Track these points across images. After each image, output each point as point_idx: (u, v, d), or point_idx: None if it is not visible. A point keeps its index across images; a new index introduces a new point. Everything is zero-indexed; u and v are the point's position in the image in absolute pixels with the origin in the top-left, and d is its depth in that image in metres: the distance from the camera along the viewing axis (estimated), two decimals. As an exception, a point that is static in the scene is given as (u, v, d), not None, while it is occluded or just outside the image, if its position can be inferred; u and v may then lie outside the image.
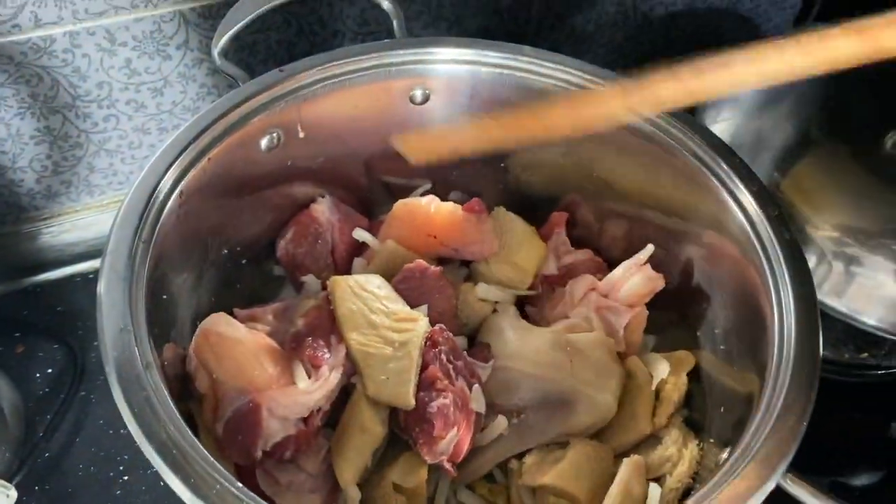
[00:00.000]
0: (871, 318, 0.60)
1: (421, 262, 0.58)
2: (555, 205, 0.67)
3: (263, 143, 0.56)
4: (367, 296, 0.54)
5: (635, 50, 0.88)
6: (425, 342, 0.53)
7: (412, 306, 0.56)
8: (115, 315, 0.43)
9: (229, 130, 0.52)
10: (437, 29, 0.76)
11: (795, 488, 0.40)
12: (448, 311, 0.59)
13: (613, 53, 0.87)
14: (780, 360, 0.44)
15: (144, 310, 0.45)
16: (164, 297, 0.49)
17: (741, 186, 0.51)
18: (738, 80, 0.41)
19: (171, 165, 0.49)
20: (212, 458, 0.40)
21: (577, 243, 0.66)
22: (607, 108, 0.45)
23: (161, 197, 0.49)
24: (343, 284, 0.54)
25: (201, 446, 0.41)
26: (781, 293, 0.47)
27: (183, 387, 0.52)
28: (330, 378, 0.51)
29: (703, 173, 0.53)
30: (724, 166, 0.52)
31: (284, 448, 0.50)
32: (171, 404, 0.42)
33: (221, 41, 0.56)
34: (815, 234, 0.60)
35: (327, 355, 0.52)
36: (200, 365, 0.52)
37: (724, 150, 0.53)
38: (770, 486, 0.39)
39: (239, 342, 0.52)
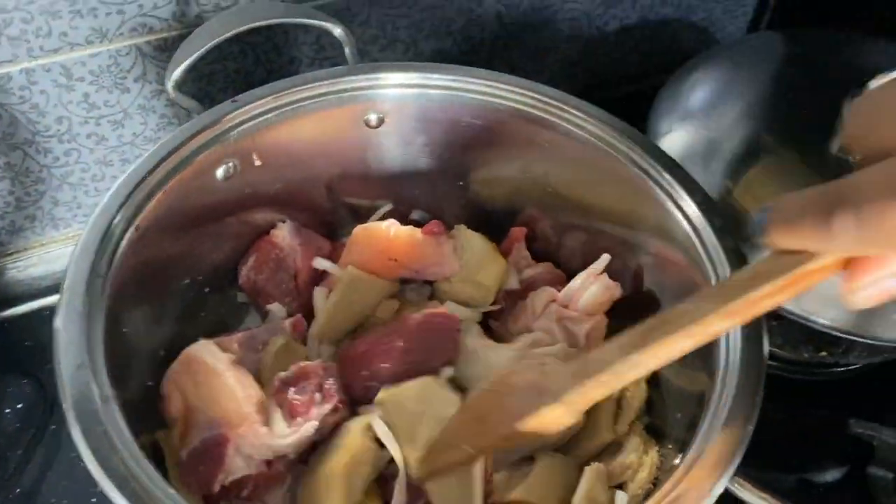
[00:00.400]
0: (825, 318, 0.61)
1: (444, 310, 0.58)
2: (515, 219, 0.68)
3: (219, 172, 0.56)
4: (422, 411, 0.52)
5: (592, 64, 0.90)
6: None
7: (428, 353, 0.56)
8: (73, 351, 0.44)
9: (184, 163, 0.53)
10: (394, 52, 0.77)
11: (745, 493, 0.41)
12: (453, 359, 0.59)
13: (571, 68, 0.89)
14: (726, 364, 0.45)
15: (103, 344, 0.45)
16: (125, 329, 0.50)
17: (685, 197, 0.52)
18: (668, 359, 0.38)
19: (125, 201, 0.50)
20: (173, 492, 0.41)
21: (538, 257, 0.67)
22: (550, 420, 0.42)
23: (117, 231, 0.49)
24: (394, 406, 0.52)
25: (162, 479, 0.41)
26: (727, 300, 0.48)
27: (148, 418, 0.52)
28: (304, 429, 0.52)
29: (648, 184, 0.54)
30: (668, 177, 0.53)
31: (242, 486, 0.51)
32: (131, 438, 0.42)
33: (174, 74, 0.57)
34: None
35: (307, 409, 0.53)
36: (176, 390, 0.53)
37: (667, 161, 0.54)
38: (717, 491, 0.40)
39: (220, 374, 0.52)
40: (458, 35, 0.79)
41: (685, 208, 0.52)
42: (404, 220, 0.66)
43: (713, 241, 0.50)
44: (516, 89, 0.58)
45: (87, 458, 0.40)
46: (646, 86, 0.73)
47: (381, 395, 0.53)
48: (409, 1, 0.74)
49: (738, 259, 0.49)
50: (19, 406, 0.67)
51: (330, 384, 0.54)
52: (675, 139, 0.67)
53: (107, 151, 0.71)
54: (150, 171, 0.51)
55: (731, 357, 0.45)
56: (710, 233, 0.51)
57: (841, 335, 0.61)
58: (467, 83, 0.58)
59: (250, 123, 0.56)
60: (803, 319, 0.61)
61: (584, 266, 0.62)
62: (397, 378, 0.55)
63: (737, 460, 0.41)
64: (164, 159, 0.52)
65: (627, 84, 0.94)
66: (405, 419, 0.52)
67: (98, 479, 0.40)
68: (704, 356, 0.48)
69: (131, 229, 0.50)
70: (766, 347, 0.46)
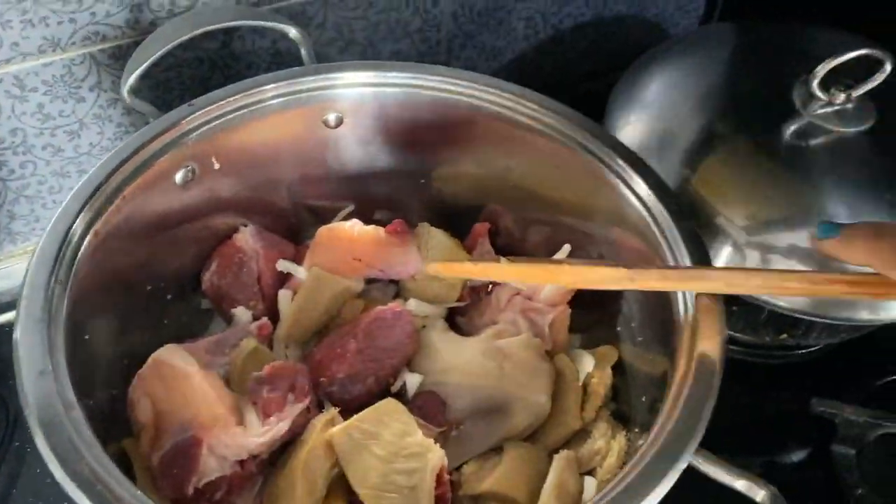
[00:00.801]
0: (784, 301, 0.63)
1: (394, 305, 0.59)
2: (478, 215, 0.68)
3: (178, 177, 0.56)
4: (372, 443, 0.51)
5: (548, 62, 0.91)
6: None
7: (383, 351, 0.56)
8: (34, 359, 0.43)
9: (141, 168, 0.53)
10: (352, 54, 0.78)
11: (708, 466, 0.42)
12: (412, 354, 0.59)
13: (529, 66, 0.90)
14: (686, 348, 0.46)
15: (64, 351, 0.45)
16: (87, 337, 0.49)
17: (640, 182, 0.53)
18: (707, 289, 0.49)
19: (83, 207, 0.49)
20: (141, 495, 0.40)
21: (502, 251, 0.68)
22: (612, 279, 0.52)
23: (75, 239, 0.49)
24: (345, 438, 0.51)
25: (130, 483, 0.41)
26: (685, 283, 0.49)
27: (113, 426, 0.52)
28: (276, 429, 0.52)
29: (605, 172, 0.55)
30: (623, 164, 0.54)
31: (216, 488, 0.50)
32: (97, 443, 0.42)
33: (129, 79, 0.57)
34: (727, 225, 0.62)
35: (280, 407, 0.52)
36: (145, 395, 0.52)
37: (622, 149, 0.55)
38: (680, 467, 0.41)
39: (191, 376, 0.52)
40: (415, 36, 0.79)
41: (641, 194, 0.53)
42: (368, 220, 0.66)
43: (670, 225, 0.51)
44: (473, 85, 0.59)
45: (51, 465, 0.40)
46: (602, 83, 0.74)
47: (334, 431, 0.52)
48: (365, 3, 0.74)
49: (694, 242, 0.50)
50: (-20, 424, 0.66)
51: (302, 383, 0.54)
52: (631, 132, 0.68)
53: (63, 162, 0.71)
54: (108, 177, 0.51)
55: (690, 335, 0.46)
56: (667, 217, 0.52)
57: (800, 317, 0.63)
58: (424, 80, 0.59)
59: (207, 127, 0.56)
60: (763, 303, 0.63)
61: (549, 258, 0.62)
62: (356, 380, 0.55)
63: (698, 437, 0.41)
64: (120, 165, 0.52)
65: (585, 81, 0.95)
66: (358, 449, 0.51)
67: (64, 485, 0.39)
68: (664, 338, 0.49)
69: (90, 236, 0.49)
70: (725, 327, 0.47)
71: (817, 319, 0.63)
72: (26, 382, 0.42)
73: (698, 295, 0.48)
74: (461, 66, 0.85)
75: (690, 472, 0.42)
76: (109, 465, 0.40)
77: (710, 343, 0.46)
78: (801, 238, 0.61)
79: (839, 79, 0.63)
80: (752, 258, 0.62)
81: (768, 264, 0.62)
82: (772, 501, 0.42)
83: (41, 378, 0.43)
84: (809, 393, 0.70)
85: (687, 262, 0.49)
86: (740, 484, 0.42)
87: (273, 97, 0.58)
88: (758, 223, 0.62)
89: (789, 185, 0.64)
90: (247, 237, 0.62)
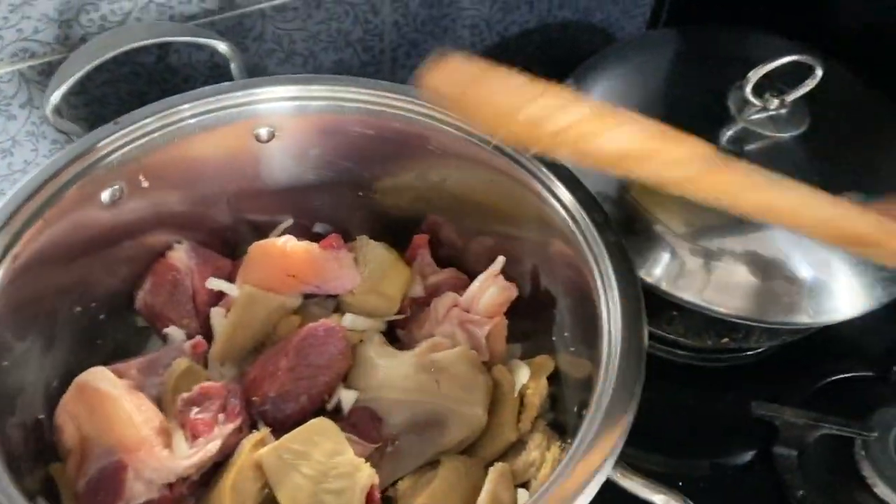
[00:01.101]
0: (723, 306, 0.63)
1: (326, 321, 0.58)
2: (419, 226, 0.68)
3: (105, 196, 0.55)
4: (302, 463, 0.50)
5: (495, 68, 0.91)
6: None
7: (315, 368, 0.55)
8: (-56, 389, 0.43)
9: (64, 188, 0.52)
10: (293, 65, 0.77)
11: (626, 481, 0.42)
12: (346, 370, 0.59)
13: (476, 73, 0.90)
14: (608, 355, 0.46)
15: (-22, 379, 0.44)
16: (5, 363, 0.49)
17: (567, 194, 0.53)
18: None
19: (-1, 231, 0.49)
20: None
21: (445, 263, 0.68)
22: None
23: (-8, 263, 0.48)
24: (274, 459, 0.50)
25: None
26: (608, 293, 0.49)
27: (42, 451, 0.51)
28: (206, 449, 0.51)
29: (534, 184, 0.55)
30: (547, 172, 0.54)
31: (144, 511, 0.50)
32: (8, 477, 0.41)
33: (52, 98, 0.56)
34: (665, 233, 0.63)
35: (209, 428, 0.52)
36: (70, 419, 0.52)
37: (550, 161, 0.55)
38: (598, 481, 0.41)
39: (115, 399, 0.52)
40: (357, 45, 0.79)
41: (567, 204, 0.53)
42: (307, 234, 0.66)
43: (594, 236, 0.51)
44: (401, 97, 0.58)
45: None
46: (550, 88, 0.74)
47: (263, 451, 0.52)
48: (303, 13, 0.73)
49: (619, 253, 0.50)
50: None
51: (234, 404, 0.54)
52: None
53: (-3, 181, 0.70)
54: (26, 201, 0.50)
55: (612, 344, 0.46)
56: (592, 229, 0.52)
57: (739, 321, 0.63)
58: (349, 93, 0.58)
59: (133, 145, 0.55)
60: (703, 308, 0.63)
61: (488, 269, 0.62)
62: (288, 398, 0.54)
63: (616, 451, 0.41)
64: (40, 187, 0.51)
65: (533, 87, 0.95)
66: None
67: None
68: (590, 343, 0.49)
69: (7, 260, 0.49)
70: (645, 336, 0.47)
71: (756, 324, 0.63)
72: (-65, 415, 0.41)
73: (622, 300, 0.48)
74: (406, 75, 0.85)
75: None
76: (14, 496, 0.39)
77: (631, 348, 0.46)
78: (737, 244, 0.62)
79: (774, 84, 0.64)
80: (691, 264, 0.62)
81: (708, 271, 0.63)
82: (690, 514, 0.42)
83: (-49, 410, 0.42)
84: (752, 396, 0.70)
85: (611, 274, 0.49)
86: (658, 499, 0.42)
87: (200, 113, 0.57)
88: (695, 229, 0.63)
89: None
90: (181, 255, 0.62)
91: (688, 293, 0.63)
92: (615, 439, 0.42)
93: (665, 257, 0.62)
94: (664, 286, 0.62)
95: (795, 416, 0.68)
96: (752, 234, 0.62)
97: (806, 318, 0.62)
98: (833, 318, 0.62)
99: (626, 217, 0.63)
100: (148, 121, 0.56)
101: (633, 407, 0.43)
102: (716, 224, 0.63)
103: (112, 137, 0.55)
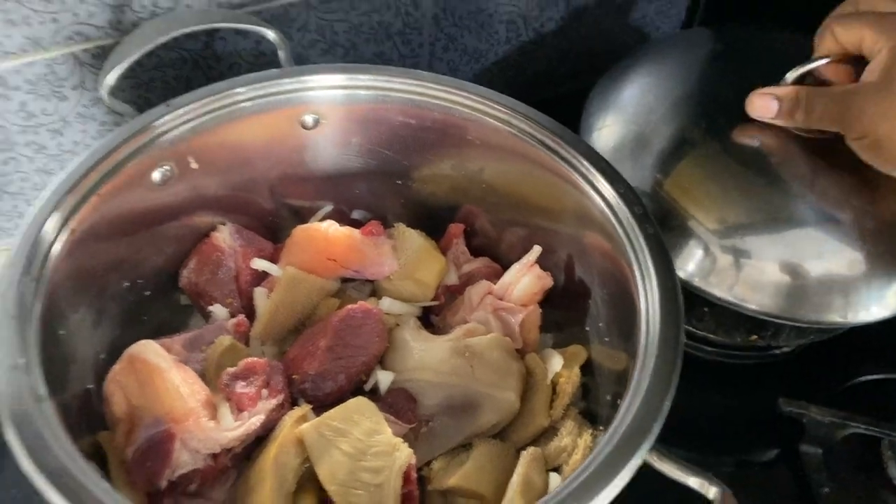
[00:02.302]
0: (754, 303, 0.63)
1: (364, 304, 0.60)
2: (454, 215, 0.69)
3: (156, 176, 0.57)
4: (341, 441, 0.52)
5: (531, 65, 0.92)
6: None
7: (353, 349, 0.57)
8: (6, 352, 0.44)
9: (117, 167, 0.54)
10: (334, 56, 0.79)
11: (662, 464, 0.43)
12: (382, 351, 0.60)
13: (511, 69, 0.91)
14: (646, 346, 0.47)
15: (37, 346, 0.46)
16: (62, 332, 0.50)
17: (607, 186, 0.54)
18: None
19: (58, 205, 0.50)
20: (108, 486, 0.41)
21: (478, 252, 0.69)
22: None
23: (50, 236, 0.50)
24: (315, 435, 0.51)
25: (97, 475, 0.42)
26: (647, 284, 0.50)
27: (89, 420, 0.53)
28: (249, 423, 0.53)
29: (573, 176, 0.56)
30: (591, 168, 0.55)
31: (190, 481, 0.51)
32: (66, 437, 0.43)
33: (107, 79, 0.57)
34: (699, 229, 0.63)
35: (254, 402, 0.54)
36: (119, 389, 0.53)
37: (591, 154, 0.56)
38: (635, 464, 0.42)
39: (163, 371, 0.53)
40: (397, 38, 0.80)
41: (606, 196, 0.54)
42: (346, 220, 0.67)
43: (634, 228, 0.52)
44: (444, 88, 0.59)
45: (20, 457, 0.41)
46: (584, 85, 0.75)
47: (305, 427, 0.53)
48: (347, 5, 0.75)
49: (657, 245, 0.51)
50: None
51: (277, 380, 0.56)
52: (607, 135, 0.69)
53: (46, 160, 0.71)
54: (83, 176, 0.52)
55: (650, 334, 0.47)
56: (632, 222, 0.53)
57: (768, 319, 0.64)
58: (394, 83, 0.60)
59: (184, 127, 0.57)
60: (734, 305, 0.64)
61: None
62: (327, 377, 0.56)
63: (653, 434, 0.42)
64: (96, 164, 0.53)
65: (566, 83, 0.96)
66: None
67: (31, 477, 0.40)
68: (625, 334, 0.50)
69: (65, 233, 0.50)
70: (683, 326, 0.48)
71: (786, 322, 0.64)
72: (-1, 376, 0.43)
73: (660, 291, 0.49)
74: (443, 68, 0.86)
75: (647, 468, 0.43)
76: (77, 458, 0.41)
77: (668, 340, 0.47)
78: (770, 242, 0.63)
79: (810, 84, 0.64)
80: (723, 261, 0.63)
81: (739, 268, 0.63)
82: (723, 499, 0.43)
83: (13, 372, 0.44)
84: (779, 393, 0.71)
85: (650, 266, 0.50)
86: (693, 481, 0.43)
87: (248, 99, 0.59)
88: (728, 227, 0.63)
89: (760, 189, 0.64)
90: (225, 236, 0.63)
91: (719, 289, 0.63)
92: (653, 423, 0.43)
93: (698, 253, 0.63)
94: (696, 282, 0.63)
95: (822, 414, 0.68)
96: (784, 233, 0.62)
97: (836, 317, 0.62)
98: (863, 318, 0.63)
99: (659, 212, 0.64)
100: (198, 104, 0.57)
101: (670, 394, 0.44)
102: (749, 221, 0.63)
103: (165, 119, 0.56)
